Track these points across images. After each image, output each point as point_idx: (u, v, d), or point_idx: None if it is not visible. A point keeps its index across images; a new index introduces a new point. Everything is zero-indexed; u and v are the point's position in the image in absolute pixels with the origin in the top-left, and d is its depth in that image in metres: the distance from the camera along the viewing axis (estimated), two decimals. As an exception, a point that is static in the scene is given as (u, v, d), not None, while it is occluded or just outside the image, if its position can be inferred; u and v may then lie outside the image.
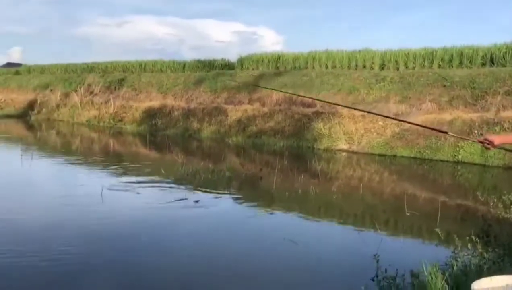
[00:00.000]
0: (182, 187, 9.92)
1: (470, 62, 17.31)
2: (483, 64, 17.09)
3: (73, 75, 30.08)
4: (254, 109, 19.58)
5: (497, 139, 3.03)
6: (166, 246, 6.39)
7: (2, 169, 12.29)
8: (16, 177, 11.03)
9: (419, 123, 10.36)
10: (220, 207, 8.80)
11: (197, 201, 8.83)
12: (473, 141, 3.50)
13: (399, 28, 61.23)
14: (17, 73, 35.71)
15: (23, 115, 27.81)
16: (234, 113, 19.86)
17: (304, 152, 16.27)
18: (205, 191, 9.74)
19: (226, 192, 10.01)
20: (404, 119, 12.76)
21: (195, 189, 9.84)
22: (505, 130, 13.52)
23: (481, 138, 3.08)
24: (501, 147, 3.15)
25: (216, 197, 9.52)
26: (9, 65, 44.49)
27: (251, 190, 10.51)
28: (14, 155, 14.74)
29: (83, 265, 5.60)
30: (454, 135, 3.78)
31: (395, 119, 16.00)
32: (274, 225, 7.77)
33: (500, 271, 3.54)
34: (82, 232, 6.82)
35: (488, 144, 3.01)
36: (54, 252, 5.94)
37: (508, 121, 13.75)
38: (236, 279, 5.34)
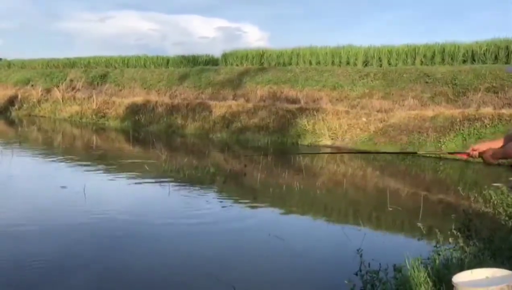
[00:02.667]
0: (166, 183, 9.85)
1: (451, 59, 17.55)
2: (465, 61, 17.34)
3: (54, 70, 29.62)
4: (239, 105, 19.55)
5: (482, 146, 3.00)
6: (150, 244, 6.36)
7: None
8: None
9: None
10: (204, 204, 8.77)
11: (180, 198, 8.79)
12: (457, 156, 3.46)
13: (383, 25, 61.63)
14: (-4, 67, 35.03)
15: (3, 111, 27.29)
16: (218, 109, 19.80)
17: (288, 148, 16.31)
18: (189, 187, 9.71)
19: (210, 188, 9.99)
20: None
21: (179, 185, 9.80)
22: (486, 126, 13.74)
23: (468, 150, 3.03)
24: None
25: (200, 194, 9.50)
26: (-12, 60, 43.50)
27: (236, 186, 10.50)
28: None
29: (64, 264, 5.53)
30: (426, 153, 3.74)
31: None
32: (258, 221, 7.77)
33: (481, 264, 3.60)
34: (64, 230, 6.74)
35: (474, 151, 2.99)
36: (34, 251, 5.86)
37: (488, 117, 13.98)
38: (221, 274, 5.33)
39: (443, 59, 17.73)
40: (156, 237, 6.63)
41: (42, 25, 76.17)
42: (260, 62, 22.27)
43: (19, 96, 27.88)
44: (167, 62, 25.89)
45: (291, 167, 12.62)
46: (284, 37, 64.57)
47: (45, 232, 6.64)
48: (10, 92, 29.20)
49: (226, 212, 8.20)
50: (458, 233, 4.79)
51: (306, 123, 16.93)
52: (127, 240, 6.46)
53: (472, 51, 17.27)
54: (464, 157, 3.13)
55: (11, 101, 27.98)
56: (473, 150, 3.03)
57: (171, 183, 9.78)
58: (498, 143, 3.07)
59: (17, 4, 73.17)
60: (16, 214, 7.41)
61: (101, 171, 11.30)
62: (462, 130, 13.94)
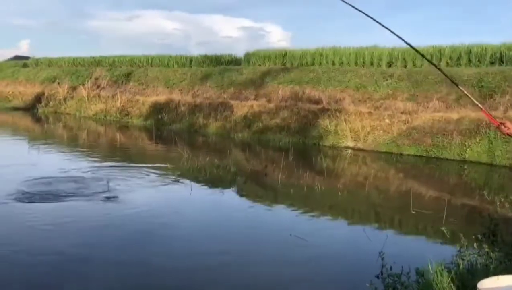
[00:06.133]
0: (188, 181, 9.93)
1: (478, 60, 17.19)
2: (492, 63, 16.96)
3: (80, 69, 30.16)
4: (260, 105, 19.54)
5: None
6: (172, 241, 6.42)
7: (10, 161, 12.32)
8: (23, 168, 11.05)
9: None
10: (226, 203, 8.81)
11: (201, 196, 8.83)
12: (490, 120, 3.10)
13: (408, 26, 60.85)
14: (25, 66, 35.82)
15: (31, 108, 27.93)
16: (240, 109, 19.84)
17: (309, 149, 16.24)
18: (211, 186, 9.76)
19: (231, 187, 10.02)
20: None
21: (200, 184, 9.86)
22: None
23: (503, 122, 2.85)
24: None
25: (222, 193, 9.54)
26: (17, 58, 44.41)
27: (257, 186, 10.51)
28: (21, 147, 14.83)
29: (85, 261, 5.62)
30: (466, 92, 3.31)
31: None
32: (280, 221, 7.77)
33: (507, 270, 3.52)
34: (85, 227, 6.86)
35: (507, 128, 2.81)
36: (54, 247, 5.97)
37: (516, 121, 13.65)
38: (242, 273, 5.35)
39: (469, 61, 17.37)
40: (177, 234, 6.68)
41: (69, 24, 77.89)
42: (282, 62, 22.23)
43: (46, 94, 28.46)
44: (190, 61, 26.08)
45: (312, 168, 12.56)
46: (307, 37, 64.55)
47: (66, 227, 6.75)
48: (37, 89, 29.87)
49: (247, 211, 8.21)
50: (483, 238, 4.69)
51: (328, 124, 16.82)
52: (148, 237, 6.53)
53: (500, 52, 16.88)
54: (495, 124, 2.89)
55: (38, 98, 28.59)
56: (506, 126, 2.80)
57: (192, 182, 9.84)
58: None
59: (45, 3, 74.80)
60: (36, 209, 7.56)
61: (124, 168, 11.44)
62: (488, 133, 13.64)
